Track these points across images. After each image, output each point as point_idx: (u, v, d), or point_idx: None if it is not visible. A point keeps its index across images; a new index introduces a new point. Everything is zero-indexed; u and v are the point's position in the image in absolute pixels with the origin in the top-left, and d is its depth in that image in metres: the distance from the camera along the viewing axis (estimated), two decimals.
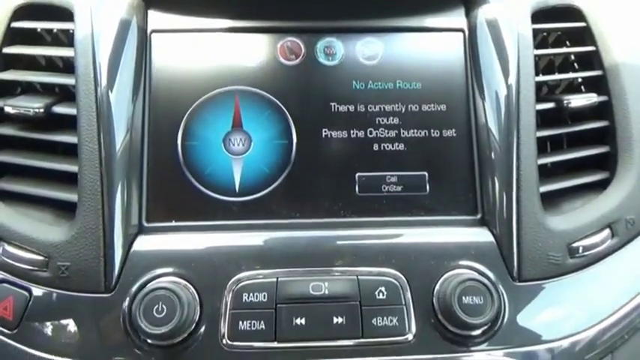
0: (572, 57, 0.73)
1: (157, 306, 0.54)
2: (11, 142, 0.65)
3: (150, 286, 0.55)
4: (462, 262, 0.60)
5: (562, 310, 0.61)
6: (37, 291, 0.57)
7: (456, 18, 0.69)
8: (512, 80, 0.65)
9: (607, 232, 0.63)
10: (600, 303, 0.62)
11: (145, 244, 0.60)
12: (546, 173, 0.67)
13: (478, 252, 0.61)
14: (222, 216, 0.63)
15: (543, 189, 0.64)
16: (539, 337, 0.59)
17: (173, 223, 0.62)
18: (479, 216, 0.64)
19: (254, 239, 0.61)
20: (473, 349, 0.58)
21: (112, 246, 0.58)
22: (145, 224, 0.62)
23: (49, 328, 0.56)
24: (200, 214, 0.63)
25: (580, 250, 0.62)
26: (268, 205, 0.63)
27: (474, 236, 0.62)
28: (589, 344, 0.60)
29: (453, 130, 0.66)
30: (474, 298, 0.56)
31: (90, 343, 0.56)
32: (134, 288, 0.56)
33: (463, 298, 0.56)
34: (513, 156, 0.62)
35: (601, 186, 0.67)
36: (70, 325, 0.56)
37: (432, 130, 0.66)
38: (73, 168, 0.61)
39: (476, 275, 0.57)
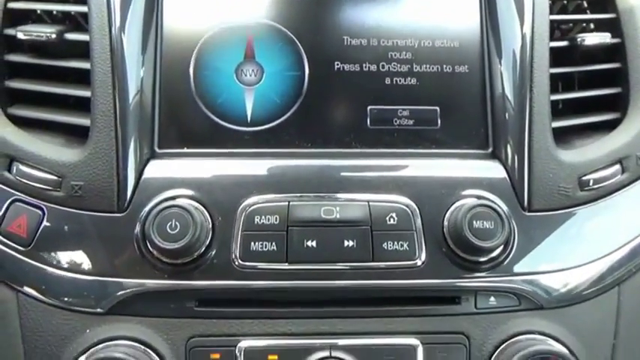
0: (585, 3, 0.73)
1: (170, 223, 0.54)
2: (23, 69, 0.65)
3: (163, 204, 0.55)
4: (473, 192, 0.60)
5: (571, 241, 0.61)
6: (51, 210, 0.57)
7: None
8: (527, 18, 0.64)
9: (617, 167, 0.63)
10: (609, 236, 0.62)
11: (157, 168, 0.60)
12: (558, 114, 0.67)
13: (489, 182, 0.61)
14: (234, 144, 0.63)
15: (555, 124, 0.64)
16: (546, 267, 0.60)
17: (185, 150, 0.62)
18: (490, 150, 0.64)
19: (266, 166, 0.61)
20: (481, 275, 0.58)
21: (125, 167, 0.58)
22: (157, 150, 0.62)
23: (62, 246, 0.57)
24: (212, 142, 0.63)
25: (590, 183, 0.62)
26: (280, 135, 0.63)
27: (484, 168, 0.62)
28: (596, 276, 0.61)
29: (466, 67, 0.66)
30: (485, 222, 0.56)
31: (102, 261, 0.56)
32: (147, 208, 0.57)
33: (474, 222, 0.56)
34: (527, 90, 0.62)
35: (612, 127, 0.67)
36: (83, 243, 0.57)
37: (444, 66, 0.66)
38: (86, 93, 0.61)
39: (487, 202, 0.57)
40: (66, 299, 0.56)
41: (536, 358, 0.54)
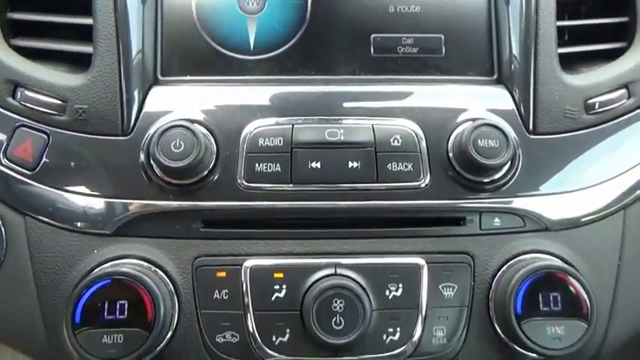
0: None
1: (174, 142, 0.54)
2: (24, 1, 0.65)
3: (167, 126, 0.55)
4: (478, 115, 0.59)
5: (576, 164, 0.61)
6: (56, 134, 0.58)
7: None
8: None
9: (623, 91, 0.63)
10: (614, 160, 0.62)
11: (160, 94, 0.60)
12: (564, 44, 0.66)
13: (494, 106, 0.61)
14: (237, 72, 0.62)
15: (561, 50, 0.63)
16: (551, 189, 0.59)
17: (188, 78, 0.62)
18: (495, 76, 0.64)
19: (269, 92, 0.61)
20: (485, 195, 0.58)
21: (129, 90, 0.58)
22: (160, 77, 0.62)
23: (67, 169, 0.57)
24: (214, 70, 0.62)
25: (596, 107, 0.61)
26: (283, 63, 0.63)
27: (490, 93, 0.62)
28: (601, 199, 0.61)
29: None
30: (489, 141, 0.56)
31: (108, 183, 0.57)
32: (151, 130, 0.57)
33: (478, 141, 0.56)
34: (532, 14, 0.62)
35: (618, 56, 0.66)
36: (89, 166, 0.57)
37: None
38: (87, 21, 0.60)
39: (492, 122, 0.57)
40: (73, 221, 0.57)
41: (541, 274, 0.54)
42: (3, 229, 0.57)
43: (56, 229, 0.57)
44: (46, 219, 0.57)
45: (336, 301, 0.53)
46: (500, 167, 0.57)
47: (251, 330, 0.54)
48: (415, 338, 0.55)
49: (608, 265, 0.59)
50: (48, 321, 0.55)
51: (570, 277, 0.54)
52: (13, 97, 0.59)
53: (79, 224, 0.57)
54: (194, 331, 0.54)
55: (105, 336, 0.51)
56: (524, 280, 0.54)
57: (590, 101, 0.62)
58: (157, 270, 0.54)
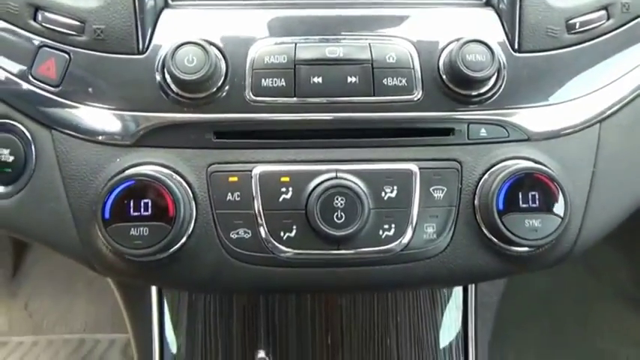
0: None
1: (187, 57, 0.59)
2: None
3: (179, 42, 0.60)
4: (468, 34, 0.64)
5: (557, 80, 0.66)
6: (76, 53, 0.62)
7: None
8: None
9: (603, 12, 0.67)
10: (593, 77, 0.67)
11: (171, 16, 0.65)
12: None
13: (483, 27, 0.65)
14: None
15: None
16: (534, 102, 0.65)
17: (196, 2, 0.67)
18: (484, 0, 0.68)
19: (273, 14, 0.65)
20: (473, 107, 0.63)
21: (142, 11, 0.62)
22: (170, 2, 0.66)
23: (88, 86, 0.62)
24: None
25: (577, 26, 0.66)
26: None
27: (479, 15, 0.67)
28: (580, 112, 0.66)
29: None
30: (477, 56, 0.61)
31: (127, 98, 0.62)
32: (165, 48, 0.61)
33: (467, 56, 0.61)
34: None
35: None
36: (108, 82, 0.62)
37: None
38: None
39: (480, 39, 0.62)
40: (95, 134, 0.62)
41: (521, 175, 0.60)
42: (33, 142, 0.63)
43: (81, 141, 0.62)
44: (70, 132, 0.62)
45: (337, 199, 0.59)
46: (486, 80, 0.62)
47: (261, 227, 0.60)
48: (408, 234, 0.61)
49: (583, 172, 0.65)
50: (78, 222, 0.61)
51: (547, 178, 0.61)
52: (34, 19, 0.63)
53: (101, 136, 0.62)
54: (210, 229, 0.60)
55: (132, 229, 0.57)
56: (506, 181, 0.60)
57: (571, 21, 0.66)
58: (175, 175, 0.60)
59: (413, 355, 0.79)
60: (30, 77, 0.62)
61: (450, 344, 0.80)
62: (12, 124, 0.63)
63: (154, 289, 0.77)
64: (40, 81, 0.62)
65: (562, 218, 0.60)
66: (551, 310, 1.74)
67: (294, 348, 0.78)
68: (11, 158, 0.62)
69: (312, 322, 0.78)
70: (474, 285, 0.79)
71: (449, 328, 0.80)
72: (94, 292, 1.76)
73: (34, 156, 0.62)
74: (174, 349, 0.76)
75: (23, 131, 0.63)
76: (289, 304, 0.78)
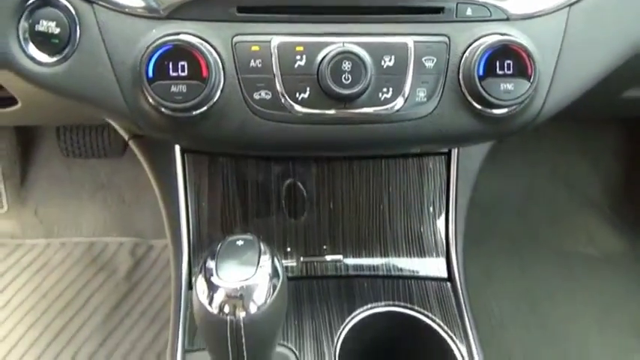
0: None
1: None
2: None
3: None
4: None
5: None
6: None
7: None
8: None
9: None
10: None
11: None
12: None
13: None
14: None
15: None
16: None
17: None
18: None
19: None
20: None
21: None
22: None
23: None
24: None
25: None
26: None
27: None
28: None
29: None
30: None
31: None
32: None
33: None
34: None
35: None
36: None
37: None
38: None
39: None
40: (132, 7, 0.71)
41: (499, 46, 0.71)
42: (76, 15, 0.71)
43: (120, 14, 0.71)
44: (110, 6, 0.71)
45: (344, 63, 0.70)
46: None
47: (279, 89, 0.71)
48: (403, 96, 0.73)
49: (552, 48, 0.76)
50: (122, 85, 0.71)
51: (521, 49, 0.72)
52: None
53: (138, 9, 0.71)
54: (236, 90, 0.71)
55: (172, 86, 0.67)
56: (486, 51, 0.71)
57: None
58: (205, 43, 0.70)
59: (402, 219, 0.92)
60: None
61: (433, 209, 0.93)
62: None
63: (178, 156, 0.89)
64: None
65: (531, 83, 0.72)
66: (525, 220, 1.91)
67: (301, 211, 0.90)
68: (58, 30, 0.71)
69: (317, 189, 0.90)
70: (456, 157, 0.92)
71: (432, 196, 0.93)
72: (99, 200, 1.87)
73: (78, 27, 0.71)
74: (197, 207, 0.88)
75: (66, 5, 0.71)
76: (297, 174, 0.90)
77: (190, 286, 0.85)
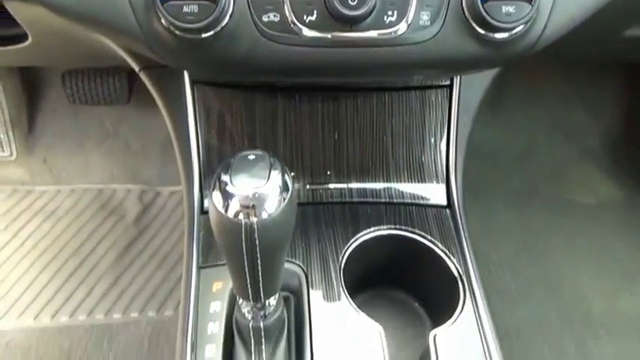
0: None
1: None
2: None
3: None
4: None
5: None
6: None
7: None
8: None
9: None
10: None
11: None
12: None
13: None
14: None
15: None
16: None
17: None
18: None
19: None
20: None
21: None
22: None
23: None
24: None
25: None
26: None
27: None
28: None
29: None
30: None
31: None
32: None
33: None
34: None
35: None
36: None
37: None
38: None
39: None
40: None
41: None
42: None
43: None
44: None
45: None
46: None
47: (287, 12, 0.73)
48: (407, 19, 0.75)
49: None
50: (135, 10, 0.73)
51: None
52: None
53: None
54: (246, 12, 0.73)
55: (184, 7, 0.69)
56: None
57: None
58: None
59: (404, 149, 0.96)
60: None
61: (434, 140, 0.96)
62: None
63: (187, 87, 0.91)
64: None
65: (532, 5, 0.74)
66: (525, 171, 1.94)
67: (307, 141, 0.94)
68: None
69: (322, 122, 0.93)
70: (457, 88, 0.95)
71: (434, 128, 0.96)
72: (106, 149, 1.90)
73: None
74: (206, 135, 0.92)
75: None
76: (303, 106, 0.93)
77: (202, 209, 0.89)
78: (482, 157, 1.88)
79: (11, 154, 1.84)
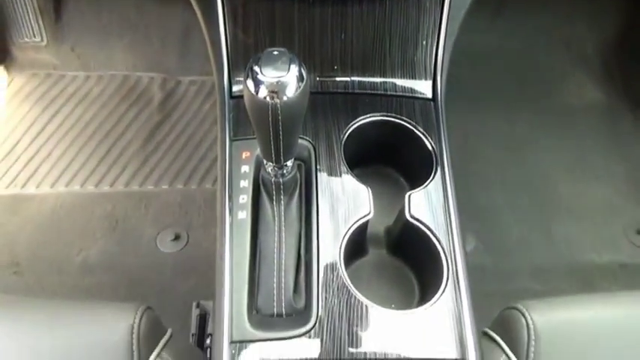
0: None
1: None
2: None
3: None
4: None
5: None
6: None
7: None
8: None
9: None
10: None
11: None
12: None
13: None
14: None
15: None
16: None
17: None
18: None
19: None
20: None
21: None
22: None
23: None
24: None
25: None
26: None
27: None
28: None
29: None
30: None
31: None
32: None
33: None
34: None
35: None
36: None
37: None
38: None
39: None
40: None
41: None
42: None
43: None
44: None
45: None
46: None
47: None
48: None
49: None
50: None
51: None
52: None
53: None
54: None
55: None
56: None
57: None
58: None
59: (400, 49, 1.11)
60: None
61: (426, 42, 1.12)
62: None
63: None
64: None
65: None
66: (516, 76, 2.06)
67: (318, 41, 1.09)
68: None
69: (332, 25, 1.06)
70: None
71: (426, 32, 1.11)
72: (128, 41, 2.03)
73: None
74: (234, 32, 1.07)
75: None
76: (315, 12, 1.07)
77: (231, 94, 1.08)
78: (474, 59, 1.99)
79: (42, 40, 1.97)
